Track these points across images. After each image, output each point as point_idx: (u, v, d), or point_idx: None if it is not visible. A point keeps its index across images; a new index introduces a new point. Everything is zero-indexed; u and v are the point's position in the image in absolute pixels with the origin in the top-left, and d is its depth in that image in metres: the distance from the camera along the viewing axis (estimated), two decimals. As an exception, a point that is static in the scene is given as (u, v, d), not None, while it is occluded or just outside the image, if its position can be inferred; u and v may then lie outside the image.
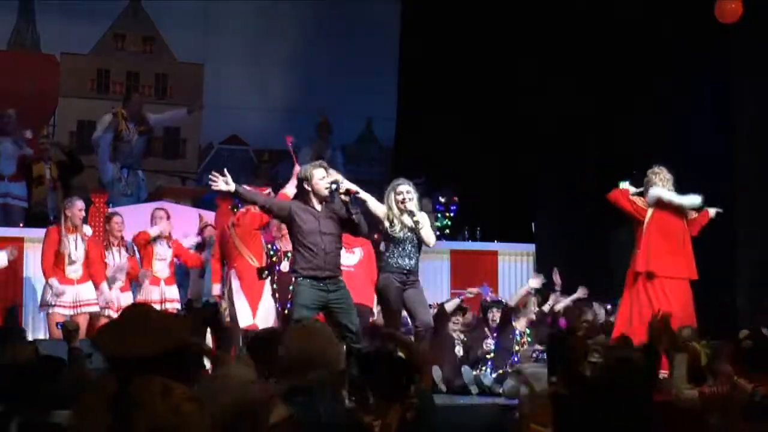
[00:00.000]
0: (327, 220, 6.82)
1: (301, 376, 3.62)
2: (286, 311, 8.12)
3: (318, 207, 6.84)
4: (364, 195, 7.29)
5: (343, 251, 7.38)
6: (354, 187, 6.85)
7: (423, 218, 7.29)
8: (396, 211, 7.18)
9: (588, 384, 4.77)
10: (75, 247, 8.31)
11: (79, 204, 8.51)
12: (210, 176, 6.81)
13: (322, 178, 6.84)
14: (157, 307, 8.39)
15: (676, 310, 7.47)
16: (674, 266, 7.93)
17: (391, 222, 7.19)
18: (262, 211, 7.34)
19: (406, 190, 7.23)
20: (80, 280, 8.32)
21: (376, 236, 9.37)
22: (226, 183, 6.69)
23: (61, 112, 12.28)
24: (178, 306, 8.75)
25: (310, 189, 6.85)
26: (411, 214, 7.18)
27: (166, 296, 8.66)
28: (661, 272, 7.87)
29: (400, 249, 7.20)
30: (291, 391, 3.52)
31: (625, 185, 8.13)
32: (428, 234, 7.25)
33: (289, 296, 7.72)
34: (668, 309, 7.48)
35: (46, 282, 8.30)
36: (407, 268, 7.14)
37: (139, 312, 3.07)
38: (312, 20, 12.78)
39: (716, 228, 8.29)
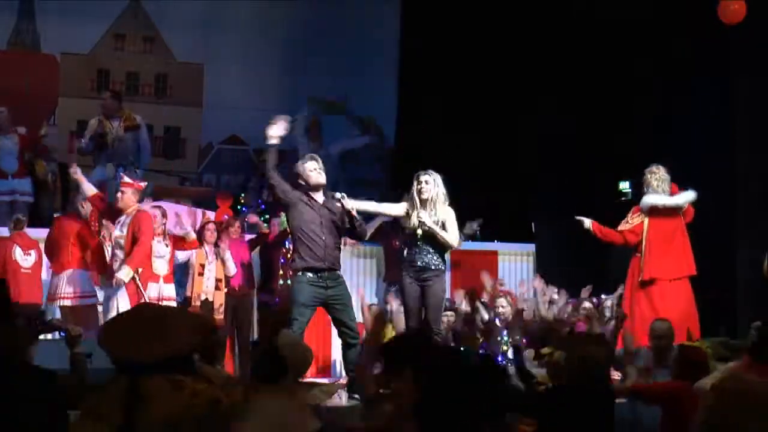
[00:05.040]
0: (327, 213, 6.84)
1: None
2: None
3: (319, 200, 6.86)
4: (373, 208, 7.29)
5: (19, 252, 7.87)
6: (354, 206, 6.85)
7: (446, 217, 7.04)
8: (417, 201, 7.02)
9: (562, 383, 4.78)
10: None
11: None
12: (276, 119, 6.88)
13: (314, 169, 6.86)
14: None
15: (678, 310, 7.53)
16: (674, 267, 7.95)
17: (408, 214, 7.04)
18: (269, 184, 7.06)
19: (425, 180, 7.03)
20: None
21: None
22: (275, 134, 6.82)
23: (61, 112, 12.26)
24: (174, 304, 8.72)
25: (304, 183, 6.87)
26: (423, 204, 6.99)
27: (163, 294, 8.63)
28: (663, 276, 7.89)
29: (410, 243, 7.07)
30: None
31: (624, 186, 8.14)
32: (448, 236, 7.00)
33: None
34: (670, 310, 7.53)
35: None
36: (420, 264, 7.00)
37: (153, 314, 3.00)
38: (312, 20, 12.75)
39: (716, 228, 8.28)
